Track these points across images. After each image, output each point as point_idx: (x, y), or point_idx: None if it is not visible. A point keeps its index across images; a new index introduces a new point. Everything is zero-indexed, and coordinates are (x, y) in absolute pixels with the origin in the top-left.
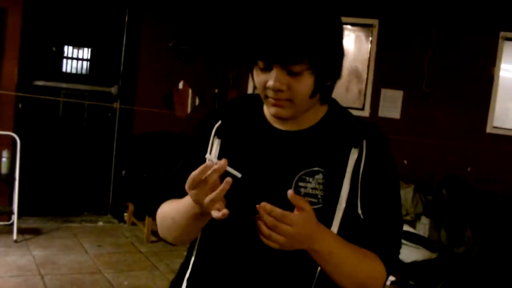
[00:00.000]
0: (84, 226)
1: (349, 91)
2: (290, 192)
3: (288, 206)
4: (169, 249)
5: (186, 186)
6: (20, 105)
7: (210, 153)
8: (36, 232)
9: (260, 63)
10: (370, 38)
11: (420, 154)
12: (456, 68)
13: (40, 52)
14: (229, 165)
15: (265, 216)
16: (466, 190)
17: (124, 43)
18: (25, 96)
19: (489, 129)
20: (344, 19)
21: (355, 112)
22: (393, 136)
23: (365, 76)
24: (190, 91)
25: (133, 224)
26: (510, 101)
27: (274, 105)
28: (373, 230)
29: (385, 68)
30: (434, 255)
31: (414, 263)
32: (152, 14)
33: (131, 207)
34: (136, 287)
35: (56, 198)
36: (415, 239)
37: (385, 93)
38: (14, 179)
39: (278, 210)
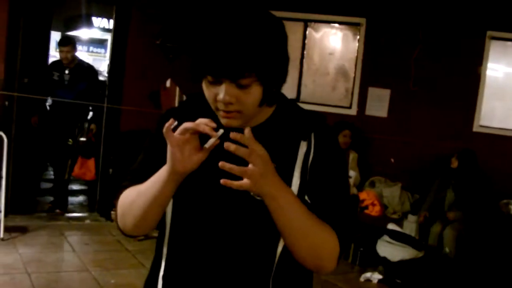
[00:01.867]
0: (71, 224)
1: (336, 89)
2: (247, 131)
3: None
4: None
5: (177, 132)
6: (6, 103)
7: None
8: (22, 230)
9: (209, 77)
10: (358, 37)
11: (407, 153)
12: (443, 67)
13: (26, 49)
14: None
15: (239, 149)
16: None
17: (111, 40)
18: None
19: (475, 128)
20: (331, 17)
21: (342, 111)
22: (380, 136)
23: (352, 74)
24: (177, 89)
25: None
26: (497, 100)
27: (225, 116)
28: (324, 212)
29: (372, 67)
30: (420, 254)
31: (400, 262)
32: (139, 12)
33: None
34: (123, 285)
35: (43, 195)
36: (401, 238)
37: (372, 91)
38: (1, 177)
39: (246, 134)
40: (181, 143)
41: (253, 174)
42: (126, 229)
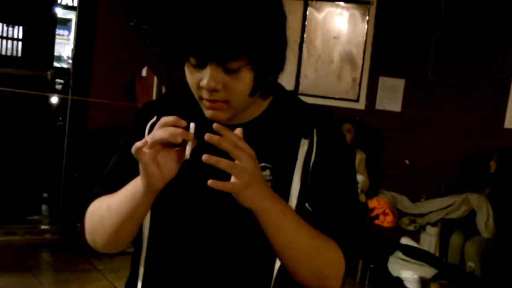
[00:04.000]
0: (28, 239)
1: (342, 79)
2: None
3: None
4: None
5: (145, 147)
6: None
7: None
8: None
9: (192, 60)
10: (367, 17)
11: (425, 153)
12: (469, 53)
13: None
14: None
15: (224, 141)
16: None
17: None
18: None
19: (507, 124)
20: None
21: (348, 104)
22: (392, 133)
23: (360, 62)
24: (155, 79)
25: None
26: None
27: (210, 107)
28: (328, 221)
29: (384, 53)
30: None
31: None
32: None
33: None
34: None
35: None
36: (417, 255)
37: (384, 82)
38: None
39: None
40: (154, 158)
41: (243, 171)
42: (97, 246)
